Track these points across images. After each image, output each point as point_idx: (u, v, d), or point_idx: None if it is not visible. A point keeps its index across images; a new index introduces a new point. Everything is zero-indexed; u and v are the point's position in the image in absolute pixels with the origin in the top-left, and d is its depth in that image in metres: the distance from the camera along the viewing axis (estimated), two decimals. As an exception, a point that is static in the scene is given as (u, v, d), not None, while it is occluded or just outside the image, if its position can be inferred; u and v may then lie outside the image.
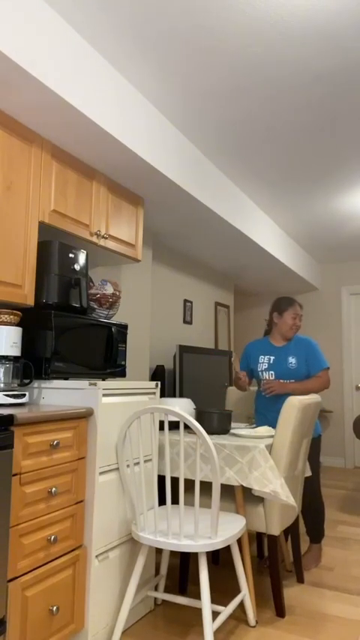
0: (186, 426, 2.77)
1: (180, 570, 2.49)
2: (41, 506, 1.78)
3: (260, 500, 2.34)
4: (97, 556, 2.00)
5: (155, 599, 2.38)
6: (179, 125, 2.87)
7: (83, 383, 2.07)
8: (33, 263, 2.20)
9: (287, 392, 2.86)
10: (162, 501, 3.09)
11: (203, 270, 5.13)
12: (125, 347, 2.63)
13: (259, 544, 3.01)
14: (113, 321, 2.59)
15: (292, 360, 2.94)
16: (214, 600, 2.40)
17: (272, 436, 2.48)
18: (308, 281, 5.79)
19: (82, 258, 2.43)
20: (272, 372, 2.97)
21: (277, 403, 2.91)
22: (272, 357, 3.01)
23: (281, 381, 2.93)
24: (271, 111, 2.72)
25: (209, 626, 1.83)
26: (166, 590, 2.50)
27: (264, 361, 3.03)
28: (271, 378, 2.97)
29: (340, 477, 5.36)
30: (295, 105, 2.65)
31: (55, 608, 1.79)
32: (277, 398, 2.91)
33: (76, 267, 2.39)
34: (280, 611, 2.25)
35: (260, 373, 3.02)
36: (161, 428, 2.70)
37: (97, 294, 2.62)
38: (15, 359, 2.05)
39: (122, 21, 2.04)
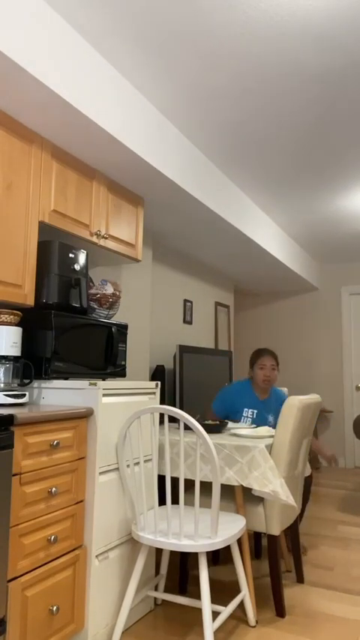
0: (186, 426, 2.77)
1: (180, 570, 2.49)
2: (41, 506, 1.78)
3: (260, 500, 2.34)
4: (97, 556, 2.00)
5: (155, 599, 2.38)
6: (179, 125, 2.87)
7: (83, 383, 2.07)
8: (33, 263, 2.20)
9: None
10: (162, 501, 3.09)
11: (203, 270, 5.13)
12: (125, 347, 2.63)
13: (257, 544, 3.00)
14: (113, 321, 2.59)
15: (270, 418, 2.93)
16: (214, 600, 2.40)
17: (272, 436, 2.48)
18: (308, 281, 5.80)
19: (82, 258, 2.43)
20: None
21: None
22: (255, 412, 2.99)
23: None
24: (272, 112, 2.72)
25: (209, 626, 1.83)
26: (166, 590, 2.50)
27: (248, 415, 3.01)
28: None
29: (340, 476, 5.36)
30: (296, 106, 2.65)
31: (55, 608, 1.79)
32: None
33: (76, 267, 2.39)
34: (280, 611, 2.25)
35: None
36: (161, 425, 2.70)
37: (97, 294, 2.62)
38: (15, 359, 2.05)
39: (123, 21, 2.04)
